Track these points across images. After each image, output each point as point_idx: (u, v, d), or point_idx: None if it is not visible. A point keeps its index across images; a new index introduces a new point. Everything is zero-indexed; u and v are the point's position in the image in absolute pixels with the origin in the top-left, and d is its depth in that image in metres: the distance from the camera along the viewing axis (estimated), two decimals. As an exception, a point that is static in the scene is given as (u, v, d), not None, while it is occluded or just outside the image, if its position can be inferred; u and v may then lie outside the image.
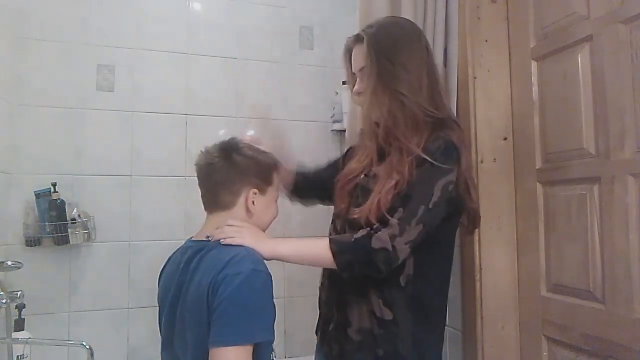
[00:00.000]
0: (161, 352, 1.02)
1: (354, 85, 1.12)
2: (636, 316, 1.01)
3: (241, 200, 1.00)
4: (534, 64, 1.33)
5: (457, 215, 1.06)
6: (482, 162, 1.37)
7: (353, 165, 1.14)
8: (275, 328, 0.89)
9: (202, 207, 1.04)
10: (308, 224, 2.12)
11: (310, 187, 1.27)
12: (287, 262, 1.00)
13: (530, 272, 1.33)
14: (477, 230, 1.14)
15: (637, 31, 1.03)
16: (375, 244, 0.92)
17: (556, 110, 1.25)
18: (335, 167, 1.24)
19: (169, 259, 1.07)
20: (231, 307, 0.84)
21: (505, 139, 1.40)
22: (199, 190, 1.04)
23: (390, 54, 1.03)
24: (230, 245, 0.92)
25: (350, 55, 1.12)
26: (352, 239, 0.95)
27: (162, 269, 1.08)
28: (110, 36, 1.95)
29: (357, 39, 1.09)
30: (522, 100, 1.37)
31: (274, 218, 1.10)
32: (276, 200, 1.10)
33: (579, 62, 1.17)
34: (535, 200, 1.31)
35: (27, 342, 1.52)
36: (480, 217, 1.11)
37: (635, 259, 1.02)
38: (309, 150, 2.16)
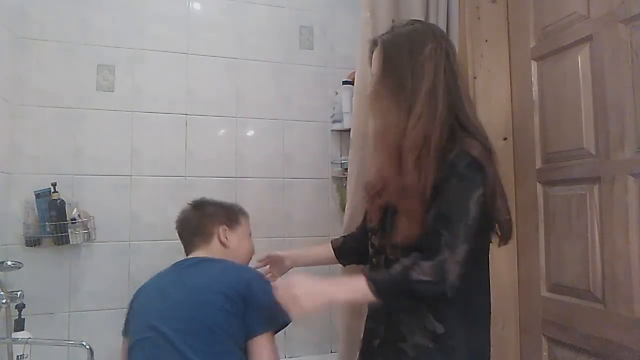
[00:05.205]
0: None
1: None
2: (636, 316, 1.01)
3: (215, 238, 1.26)
4: (534, 64, 1.33)
5: (491, 225, 1.02)
6: (482, 162, 1.37)
7: (376, 175, 1.12)
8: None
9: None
10: (308, 223, 2.13)
11: (348, 254, 1.31)
12: None
13: (530, 272, 1.33)
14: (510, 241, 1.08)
15: (637, 31, 1.03)
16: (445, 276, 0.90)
17: (556, 110, 1.25)
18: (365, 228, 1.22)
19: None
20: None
21: (505, 139, 1.40)
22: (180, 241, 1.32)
23: (400, 62, 1.01)
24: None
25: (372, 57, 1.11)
26: (409, 283, 0.91)
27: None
28: (110, 36, 1.94)
29: (374, 42, 1.08)
30: (522, 100, 1.37)
31: (252, 252, 1.36)
32: (249, 237, 1.35)
33: (579, 62, 1.17)
34: (535, 200, 1.31)
35: (27, 342, 1.52)
36: (512, 228, 1.06)
37: (635, 259, 1.02)
38: (309, 150, 2.17)
